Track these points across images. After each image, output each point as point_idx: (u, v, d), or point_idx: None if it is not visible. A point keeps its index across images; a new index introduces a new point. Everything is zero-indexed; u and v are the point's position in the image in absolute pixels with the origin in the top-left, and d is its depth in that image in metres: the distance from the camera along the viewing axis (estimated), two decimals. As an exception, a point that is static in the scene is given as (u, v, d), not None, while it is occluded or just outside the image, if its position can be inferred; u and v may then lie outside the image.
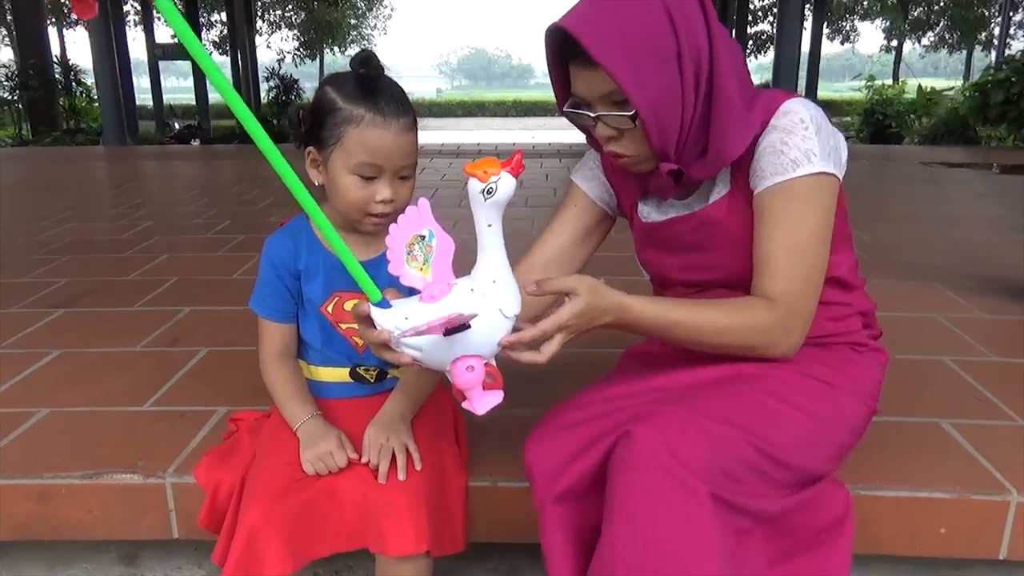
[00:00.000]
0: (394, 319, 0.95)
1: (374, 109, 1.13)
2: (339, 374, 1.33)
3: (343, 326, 1.29)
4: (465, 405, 0.96)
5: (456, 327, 0.90)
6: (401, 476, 1.17)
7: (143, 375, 1.83)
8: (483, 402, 0.95)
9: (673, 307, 1.08)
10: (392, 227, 0.96)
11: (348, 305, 1.28)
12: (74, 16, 23.66)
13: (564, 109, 1.14)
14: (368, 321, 0.98)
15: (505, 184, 0.90)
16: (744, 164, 1.13)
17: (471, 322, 0.91)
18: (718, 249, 1.18)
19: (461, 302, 0.93)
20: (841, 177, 1.12)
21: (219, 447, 1.38)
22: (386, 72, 1.19)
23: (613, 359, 1.41)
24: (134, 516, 1.39)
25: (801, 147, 1.07)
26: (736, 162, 1.12)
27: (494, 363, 0.98)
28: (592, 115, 1.09)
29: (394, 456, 1.19)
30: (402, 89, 1.20)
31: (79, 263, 2.95)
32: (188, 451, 1.46)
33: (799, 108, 1.09)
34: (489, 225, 0.93)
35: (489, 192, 0.89)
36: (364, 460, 1.20)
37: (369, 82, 1.15)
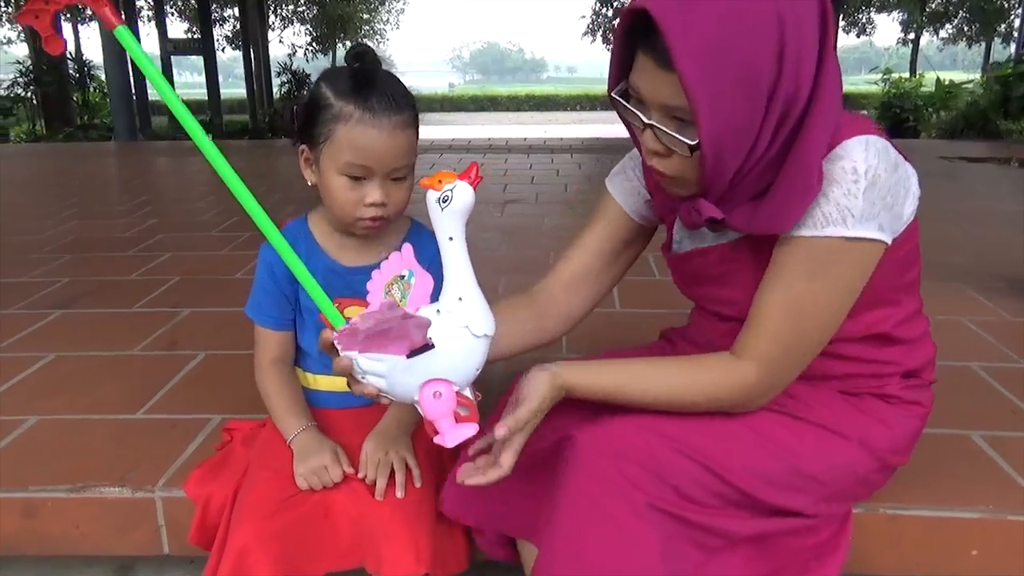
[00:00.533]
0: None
1: (364, 106, 1.07)
2: (337, 383, 1.27)
3: (341, 334, 1.22)
4: (437, 440, 0.90)
5: (419, 348, 0.86)
6: (399, 493, 1.11)
7: (138, 380, 1.77)
8: (454, 434, 0.89)
9: (616, 372, 1.01)
10: (375, 272, 0.93)
11: (349, 312, 1.22)
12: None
13: (613, 94, 0.97)
14: (334, 350, 0.94)
15: (461, 192, 0.86)
16: None
17: (435, 342, 0.86)
18: (740, 287, 1.05)
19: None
20: (890, 238, 0.96)
21: (211, 459, 1.33)
22: (383, 66, 1.13)
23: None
24: (122, 531, 1.33)
25: (841, 203, 0.91)
26: None
27: (468, 393, 0.92)
28: (645, 120, 0.92)
29: (393, 471, 1.13)
30: (401, 85, 1.13)
31: (80, 262, 2.91)
32: (179, 463, 1.40)
33: (858, 153, 0.91)
34: (450, 238, 0.88)
35: (445, 200, 0.86)
36: (361, 475, 1.14)
37: (363, 77, 1.09)
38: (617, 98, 0.96)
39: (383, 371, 0.90)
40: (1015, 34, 21.43)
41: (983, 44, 26.13)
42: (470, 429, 0.90)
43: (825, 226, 0.92)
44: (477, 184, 0.87)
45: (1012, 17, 23.54)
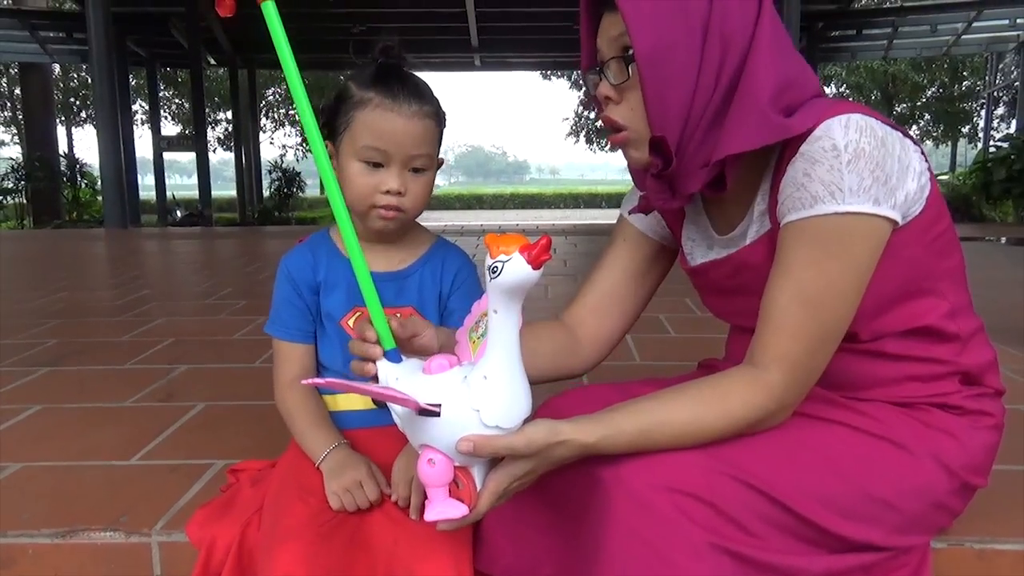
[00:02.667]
0: (388, 374, 0.90)
1: (384, 92, 1.05)
2: (362, 400, 1.15)
3: (366, 342, 1.12)
4: (426, 512, 0.83)
5: (427, 409, 0.80)
6: None
7: (131, 429, 1.63)
8: (438, 508, 0.82)
9: (639, 415, 0.90)
10: (480, 301, 0.87)
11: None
12: (82, 114, 24.34)
13: (584, 71, 1.03)
14: (365, 348, 0.93)
15: (513, 268, 0.74)
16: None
17: (443, 411, 0.80)
18: (759, 294, 0.98)
19: (443, 387, 0.82)
20: (900, 217, 0.91)
21: (215, 500, 1.19)
22: (406, 63, 1.11)
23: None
24: (113, 582, 1.17)
25: (826, 179, 0.88)
26: (774, 196, 0.96)
27: (475, 474, 0.83)
28: (599, 68, 0.98)
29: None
30: (423, 81, 1.11)
31: (70, 326, 2.78)
32: (179, 506, 1.25)
33: (836, 131, 0.88)
34: (495, 311, 0.78)
35: (493, 271, 0.75)
36: (393, 497, 1.01)
37: (387, 68, 1.08)
38: (588, 74, 1.02)
39: (400, 413, 0.86)
40: (979, 134, 22.46)
41: (949, 145, 27.29)
42: (455, 509, 0.82)
43: (814, 204, 0.89)
44: (539, 263, 0.74)
45: (976, 119, 24.70)
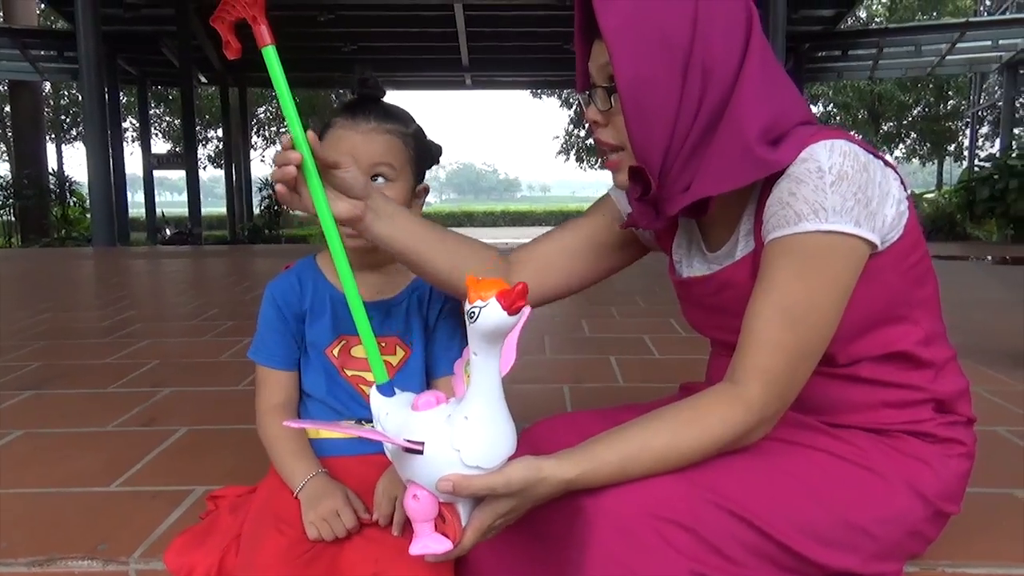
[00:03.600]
0: (380, 408, 0.91)
1: (346, 115, 1.09)
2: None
3: (349, 372, 1.14)
4: (411, 546, 0.84)
5: (411, 448, 0.82)
6: None
7: (112, 455, 1.62)
8: (423, 543, 0.83)
9: (619, 444, 0.90)
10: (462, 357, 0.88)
11: (356, 351, 1.14)
12: (72, 132, 24.30)
13: (580, 93, 1.06)
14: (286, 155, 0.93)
15: (489, 314, 0.74)
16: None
17: (425, 450, 0.81)
18: (739, 314, 1.00)
19: (427, 425, 0.83)
20: (879, 241, 0.94)
21: (194, 527, 1.19)
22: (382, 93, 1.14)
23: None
24: (89, 612, 1.16)
25: (811, 199, 0.90)
26: (759, 216, 0.98)
27: (460, 509, 0.84)
28: (588, 91, 1.01)
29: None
30: (400, 109, 1.15)
31: (53, 348, 2.77)
32: (159, 533, 1.25)
33: (821, 155, 0.91)
34: (475, 354, 0.79)
35: (470, 316, 0.76)
36: (375, 515, 1.02)
37: (362, 98, 1.12)
38: (582, 95, 1.04)
39: (389, 447, 0.87)
40: (965, 153, 22.71)
41: (935, 163, 27.56)
42: (440, 544, 0.83)
43: (798, 222, 0.91)
44: (516, 309, 0.74)
45: (961, 138, 24.98)
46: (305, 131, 0.91)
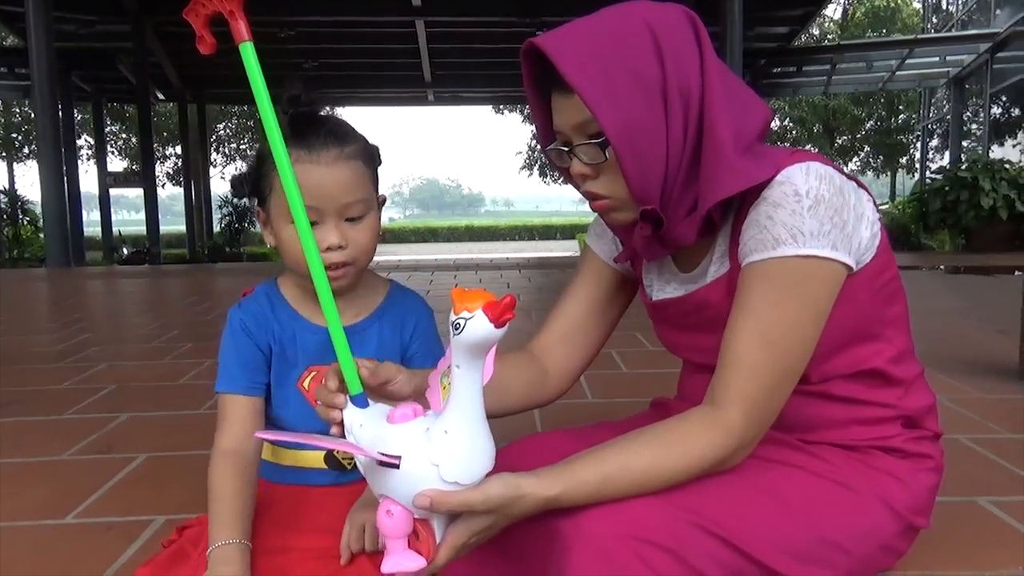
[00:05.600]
0: (353, 420, 0.88)
1: (298, 144, 0.98)
2: (313, 458, 1.12)
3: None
4: (383, 564, 0.81)
5: (386, 462, 0.79)
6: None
7: (68, 485, 1.57)
8: (395, 560, 0.80)
9: (599, 464, 0.89)
10: (438, 367, 0.86)
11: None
12: (24, 150, 23.72)
13: (545, 148, 1.03)
14: (331, 397, 0.90)
15: (475, 325, 0.73)
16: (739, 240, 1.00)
17: (402, 464, 0.79)
18: (719, 333, 1.00)
19: (404, 438, 0.81)
20: (855, 263, 0.95)
21: (159, 556, 1.12)
22: (319, 108, 1.05)
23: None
24: (42, 653, 1.12)
25: (788, 223, 0.91)
26: (734, 238, 0.99)
27: (435, 526, 0.82)
28: (566, 149, 0.98)
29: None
30: (342, 122, 1.06)
31: (5, 374, 2.67)
32: (114, 569, 1.21)
33: (798, 178, 0.92)
34: (457, 366, 0.77)
35: (455, 327, 0.75)
36: (343, 545, 0.99)
37: (299, 119, 1.01)
38: (549, 149, 1.02)
39: (362, 458, 0.85)
40: (916, 165, 23.34)
41: (889, 175, 28.28)
42: (412, 562, 0.80)
43: (776, 247, 0.91)
44: (503, 322, 0.73)
45: (912, 150, 25.67)
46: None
